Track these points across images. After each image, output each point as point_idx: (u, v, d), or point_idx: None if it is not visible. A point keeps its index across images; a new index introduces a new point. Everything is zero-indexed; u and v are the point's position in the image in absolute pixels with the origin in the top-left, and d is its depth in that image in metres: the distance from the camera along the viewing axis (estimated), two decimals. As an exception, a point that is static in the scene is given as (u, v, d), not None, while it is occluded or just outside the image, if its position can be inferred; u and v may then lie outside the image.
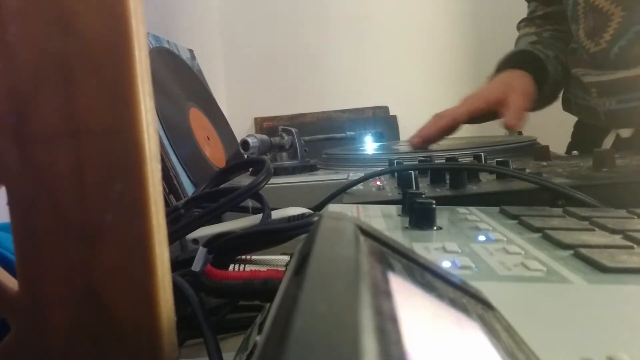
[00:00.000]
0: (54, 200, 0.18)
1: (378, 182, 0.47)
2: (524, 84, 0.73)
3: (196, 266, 0.27)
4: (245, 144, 0.62)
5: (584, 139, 0.80)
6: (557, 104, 0.84)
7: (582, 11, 0.70)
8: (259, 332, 0.27)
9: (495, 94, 0.72)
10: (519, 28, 0.89)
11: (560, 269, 0.21)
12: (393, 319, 0.09)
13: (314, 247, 0.11)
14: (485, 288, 0.16)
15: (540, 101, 0.78)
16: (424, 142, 0.71)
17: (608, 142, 0.72)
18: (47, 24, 0.18)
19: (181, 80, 0.87)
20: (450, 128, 0.72)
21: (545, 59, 0.78)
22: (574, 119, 0.84)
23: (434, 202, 0.28)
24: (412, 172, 0.40)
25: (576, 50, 0.75)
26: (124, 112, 0.18)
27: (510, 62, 0.79)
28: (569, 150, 0.81)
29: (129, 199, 0.18)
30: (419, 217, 0.28)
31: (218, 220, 0.45)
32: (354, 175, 0.51)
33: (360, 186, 0.45)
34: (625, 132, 0.71)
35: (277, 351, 0.08)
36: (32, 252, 0.19)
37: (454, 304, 0.13)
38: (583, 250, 0.22)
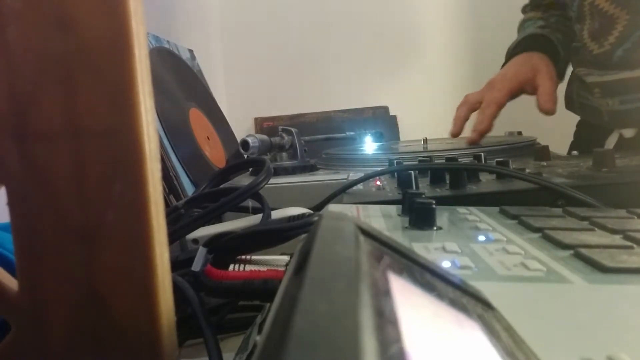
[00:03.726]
0: (54, 200, 0.18)
1: (378, 182, 0.47)
2: (547, 65, 0.75)
3: (196, 266, 0.27)
4: (245, 144, 0.62)
5: (586, 138, 0.80)
6: (558, 104, 0.84)
7: (587, 12, 0.70)
8: (259, 332, 0.27)
9: (524, 75, 0.75)
10: (524, 12, 0.90)
11: (560, 269, 0.21)
12: (393, 319, 0.09)
13: (314, 247, 0.11)
14: (485, 288, 0.16)
15: None
16: (482, 136, 0.73)
17: (611, 142, 0.72)
18: (47, 24, 0.18)
19: (181, 80, 0.87)
20: (499, 112, 0.74)
21: (557, 43, 0.79)
22: (573, 118, 0.84)
23: (434, 202, 0.28)
24: (412, 172, 0.40)
25: (579, 49, 0.75)
26: (124, 112, 0.18)
27: (524, 46, 0.80)
28: (571, 150, 0.81)
29: (129, 199, 0.18)
30: (419, 217, 0.28)
31: (218, 220, 0.45)
32: (354, 175, 0.51)
33: (360, 186, 0.45)
34: (629, 132, 0.71)
35: (277, 351, 0.08)
36: (32, 252, 0.19)
37: (453, 303, 0.13)
38: (583, 250, 0.22)
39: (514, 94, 0.75)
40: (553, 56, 0.78)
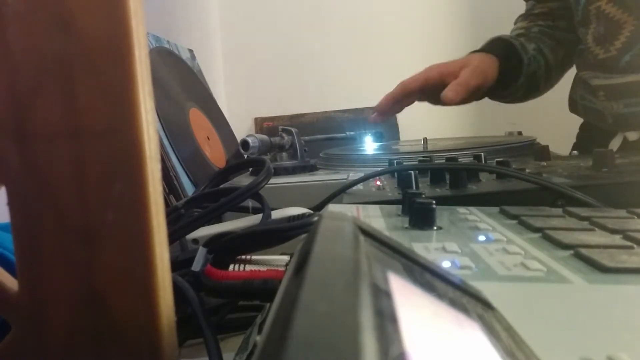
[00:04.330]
0: (54, 200, 0.18)
1: (378, 182, 0.47)
2: (483, 62, 0.73)
3: (196, 266, 0.27)
4: (245, 144, 0.62)
5: (589, 140, 0.80)
6: (557, 104, 0.84)
7: (593, 17, 0.70)
8: (259, 332, 0.27)
9: (451, 68, 0.73)
10: (515, 24, 0.89)
11: (560, 269, 0.21)
12: (393, 319, 0.09)
13: (314, 247, 0.11)
14: (485, 288, 0.16)
15: (515, 92, 0.78)
16: (380, 115, 0.73)
17: (615, 145, 0.71)
18: (47, 24, 0.18)
19: (181, 80, 0.87)
20: (402, 96, 0.74)
21: (519, 48, 0.77)
22: (574, 118, 0.84)
23: (434, 202, 0.28)
24: (412, 172, 0.40)
25: (583, 52, 0.75)
26: (124, 112, 0.18)
27: (483, 47, 0.79)
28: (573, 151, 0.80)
29: (129, 199, 0.18)
30: (419, 217, 0.28)
31: (218, 220, 0.45)
32: (354, 175, 0.51)
33: (360, 186, 0.45)
34: (633, 135, 0.70)
35: (277, 351, 0.08)
36: (32, 252, 0.19)
37: (453, 304, 0.13)
38: (583, 250, 0.22)
39: (430, 82, 0.73)
40: (511, 64, 0.75)
